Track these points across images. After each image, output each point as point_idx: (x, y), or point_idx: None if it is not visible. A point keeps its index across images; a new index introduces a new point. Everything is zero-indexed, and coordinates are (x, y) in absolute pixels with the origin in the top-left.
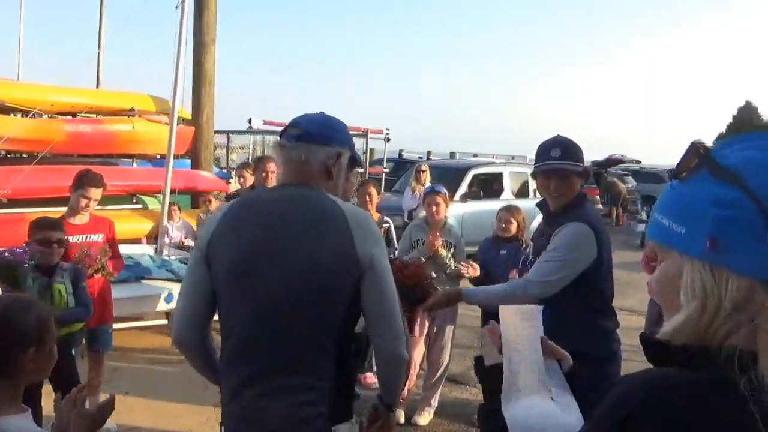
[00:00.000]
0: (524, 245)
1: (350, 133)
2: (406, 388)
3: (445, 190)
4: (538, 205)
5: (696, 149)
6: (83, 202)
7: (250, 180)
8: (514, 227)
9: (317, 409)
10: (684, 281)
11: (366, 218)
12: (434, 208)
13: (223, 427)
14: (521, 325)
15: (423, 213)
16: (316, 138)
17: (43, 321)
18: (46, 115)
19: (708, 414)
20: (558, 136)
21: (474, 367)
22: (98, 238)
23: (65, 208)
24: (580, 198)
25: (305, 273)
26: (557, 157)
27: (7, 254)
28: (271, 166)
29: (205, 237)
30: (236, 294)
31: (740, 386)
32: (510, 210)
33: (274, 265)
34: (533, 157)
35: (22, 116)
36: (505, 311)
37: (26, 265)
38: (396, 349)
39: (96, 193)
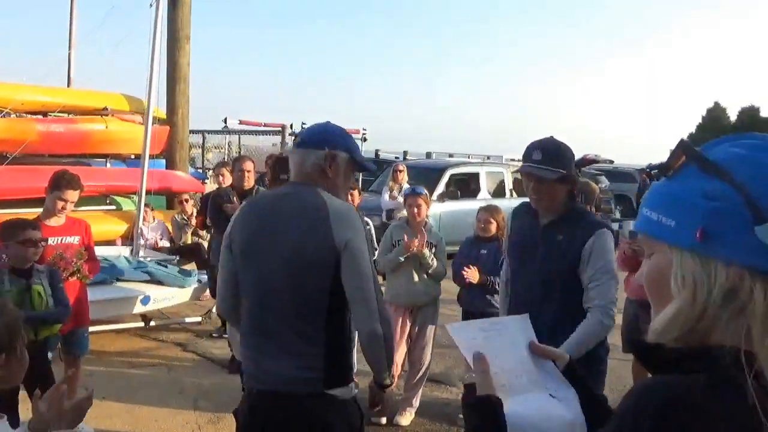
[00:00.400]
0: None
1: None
2: (396, 366)
3: (425, 192)
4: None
5: (685, 147)
6: (60, 204)
7: (229, 179)
8: (494, 227)
9: (312, 373)
10: (674, 272)
11: (347, 209)
12: (416, 210)
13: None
14: (481, 338)
15: (403, 213)
16: (309, 143)
17: (12, 326)
18: (14, 114)
19: (722, 417)
20: (548, 138)
21: (463, 396)
22: (74, 240)
23: (37, 209)
24: (573, 200)
25: (290, 255)
26: (537, 161)
27: None
28: (247, 165)
29: (228, 228)
30: (244, 270)
31: (748, 386)
32: (489, 210)
33: (266, 248)
34: (510, 157)
35: None
36: (458, 330)
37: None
38: (370, 325)
39: (73, 195)
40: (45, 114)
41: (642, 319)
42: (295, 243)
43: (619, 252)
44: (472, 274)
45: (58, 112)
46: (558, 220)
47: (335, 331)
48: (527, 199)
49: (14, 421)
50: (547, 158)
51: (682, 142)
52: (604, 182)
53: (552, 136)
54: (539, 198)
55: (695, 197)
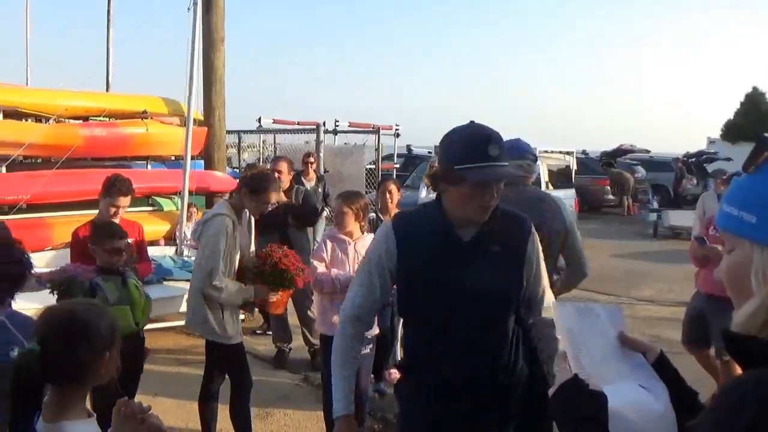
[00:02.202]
0: None
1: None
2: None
3: None
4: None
5: (767, 143)
6: (112, 209)
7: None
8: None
9: None
10: (754, 268)
11: None
12: None
13: None
14: (577, 323)
15: None
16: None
17: (114, 326)
18: (53, 120)
19: None
20: (485, 126)
21: (552, 409)
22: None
23: (83, 212)
24: None
25: None
26: (497, 157)
27: (69, 275)
28: (281, 166)
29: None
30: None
31: None
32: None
33: None
34: (543, 149)
35: (36, 121)
36: (562, 310)
37: (87, 283)
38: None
39: (125, 200)
40: (86, 119)
41: (706, 312)
42: None
43: (691, 248)
44: None
45: (103, 116)
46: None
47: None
48: (565, 191)
49: (106, 422)
50: (504, 154)
51: (763, 138)
52: (641, 172)
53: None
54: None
55: None
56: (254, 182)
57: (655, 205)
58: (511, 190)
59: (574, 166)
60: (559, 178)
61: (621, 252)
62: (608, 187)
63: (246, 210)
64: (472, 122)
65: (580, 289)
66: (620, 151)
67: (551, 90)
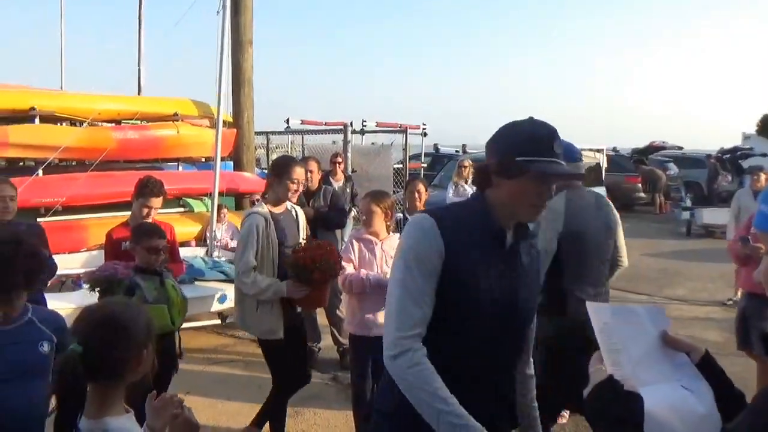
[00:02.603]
0: None
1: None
2: None
3: None
4: None
5: None
6: (145, 210)
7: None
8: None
9: None
10: None
11: None
12: None
13: None
14: (614, 322)
15: None
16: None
17: (150, 324)
18: (87, 123)
19: None
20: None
21: (587, 409)
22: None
23: (116, 213)
24: None
25: None
26: (559, 155)
27: (109, 273)
28: (311, 165)
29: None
30: None
31: None
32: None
33: None
34: (580, 147)
35: (70, 125)
36: (598, 310)
37: (126, 282)
38: None
39: (157, 201)
40: (118, 122)
41: (748, 312)
42: None
43: (732, 252)
44: None
45: (135, 119)
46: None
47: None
48: (596, 189)
49: (140, 418)
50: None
51: None
52: (673, 169)
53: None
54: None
55: None
56: (276, 167)
57: (688, 203)
58: (574, 194)
59: (604, 164)
60: (590, 175)
61: (653, 251)
62: (640, 185)
63: (290, 205)
64: (532, 118)
65: (612, 288)
66: (652, 148)
67: (580, 87)
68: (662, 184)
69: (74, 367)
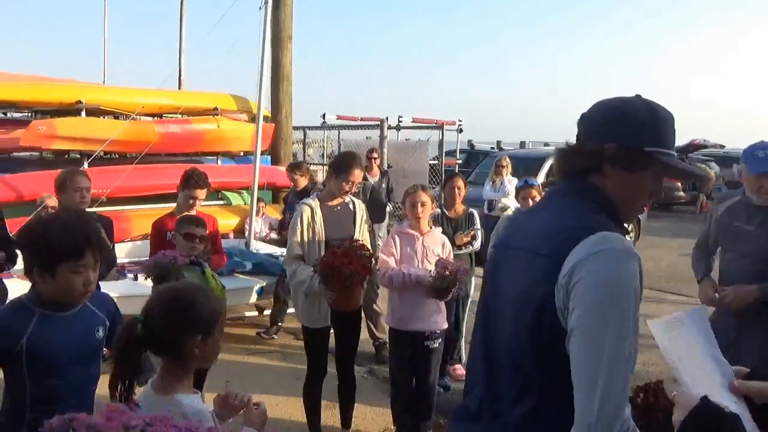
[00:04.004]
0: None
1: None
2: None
3: (539, 183)
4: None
5: None
6: (190, 201)
7: (303, 182)
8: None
9: None
10: None
11: None
12: (530, 202)
13: None
14: (668, 339)
15: (504, 203)
16: None
17: (216, 312)
18: (132, 117)
19: None
20: None
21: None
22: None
23: (159, 205)
24: None
25: None
26: None
27: (171, 259)
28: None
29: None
30: None
31: None
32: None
33: None
34: None
35: (115, 119)
36: (655, 330)
37: (181, 267)
38: None
39: (201, 193)
40: (160, 116)
41: None
42: None
43: None
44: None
45: (178, 113)
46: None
47: None
48: None
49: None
50: None
51: None
52: (714, 168)
53: None
54: None
55: None
56: (337, 164)
57: None
58: None
59: None
60: None
61: (692, 251)
62: (679, 184)
63: (349, 198)
64: (642, 97)
65: (650, 289)
66: (692, 146)
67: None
68: (711, 184)
69: (131, 333)
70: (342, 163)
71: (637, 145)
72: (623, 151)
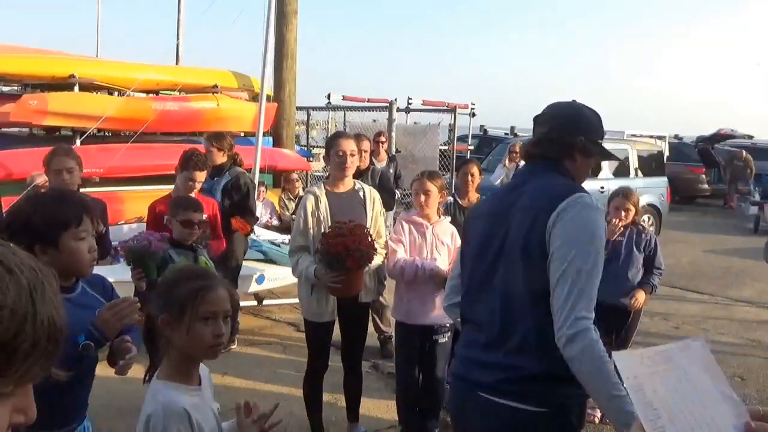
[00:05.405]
0: (643, 228)
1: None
2: None
3: None
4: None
5: None
6: (189, 184)
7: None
8: (631, 213)
9: None
10: None
11: None
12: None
13: None
14: (646, 375)
15: None
16: None
17: (191, 292)
18: (129, 93)
19: None
20: None
21: None
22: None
23: (154, 187)
24: None
25: None
26: None
27: (144, 243)
28: (365, 145)
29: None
30: None
31: None
32: (624, 194)
33: None
34: (632, 132)
35: (109, 94)
36: (624, 362)
37: (160, 253)
38: None
39: (201, 175)
40: (157, 93)
41: None
42: None
43: None
44: None
45: (176, 90)
46: None
47: None
48: (656, 180)
49: None
50: None
51: None
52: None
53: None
54: None
55: None
56: (326, 143)
57: (757, 196)
58: None
59: (666, 152)
60: (650, 165)
61: (716, 247)
62: (703, 176)
63: (359, 185)
64: (576, 101)
65: (671, 287)
66: (719, 136)
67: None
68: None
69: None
70: (329, 140)
71: (594, 138)
72: (588, 142)
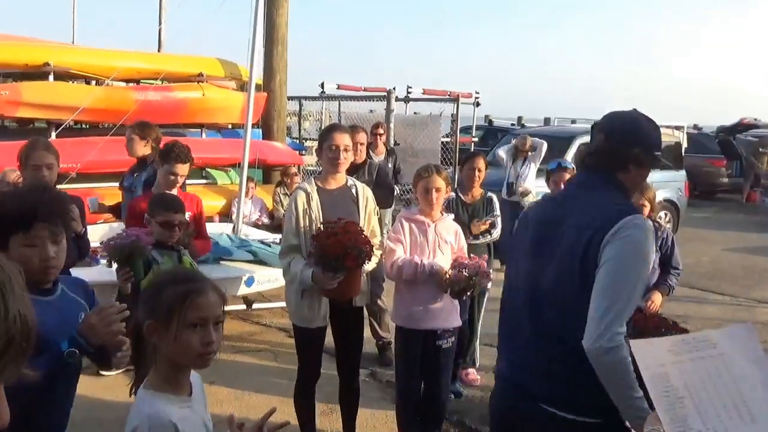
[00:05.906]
0: (659, 226)
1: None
2: None
3: (573, 166)
4: None
5: None
6: (170, 178)
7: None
8: (646, 209)
9: None
10: None
11: None
12: (563, 186)
13: None
14: (671, 365)
15: (525, 188)
16: None
17: (177, 296)
18: (107, 82)
19: None
20: None
21: None
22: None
23: None
24: None
25: None
26: None
27: (133, 239)
28: (361, 138)
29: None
30: None
31: None
32: (640, 190)
33: None
34: None
35: (86, 84)
36: (646, 350)
37: (150, 249)
38: None
39: (183, 168)
40: (138, 82)
41: None
42: None
43: None
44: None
45: (158, 79)
46: None
47: None
48: (673, 173)
49: None
50: None
51: None
52: None
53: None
54: None
55: None
56: (319, 136)
57: None
58: None
59: (684, 144)
60: (667, 157)
61: (738, 245)
62: (724, 169)
63: (351, 181)
64: (636, 110)
65: (690, 287)
66: (741, 126)
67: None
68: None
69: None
70: (322, 133)
71: (651, 149)
72: (643, 154)
